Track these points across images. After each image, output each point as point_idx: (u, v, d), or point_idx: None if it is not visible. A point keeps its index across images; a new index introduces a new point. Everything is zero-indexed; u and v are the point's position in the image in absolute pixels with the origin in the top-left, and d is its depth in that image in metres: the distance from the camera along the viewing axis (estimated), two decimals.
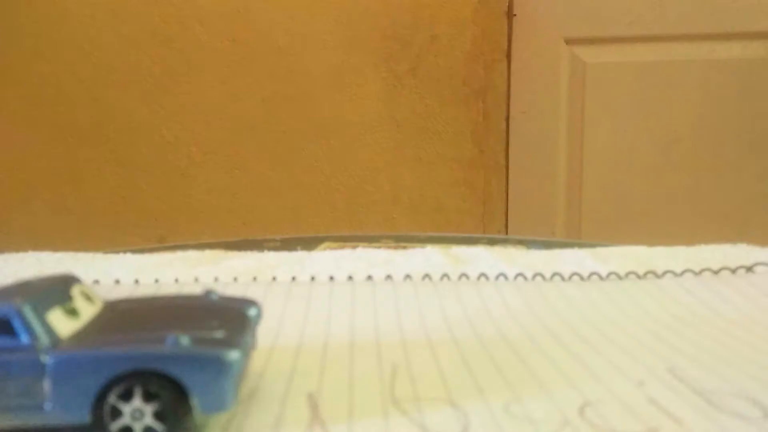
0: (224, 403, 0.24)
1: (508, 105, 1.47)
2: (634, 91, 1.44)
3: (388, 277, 0.44)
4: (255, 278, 0.45)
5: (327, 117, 1.48)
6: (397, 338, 0.34)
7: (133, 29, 1.49)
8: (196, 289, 0.32)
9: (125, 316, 0.27)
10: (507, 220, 1.49)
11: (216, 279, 0.44)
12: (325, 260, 0.48)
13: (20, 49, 1.51)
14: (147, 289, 0.43)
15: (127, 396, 0.23)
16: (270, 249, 0.52)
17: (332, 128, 1.49)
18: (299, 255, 0.50)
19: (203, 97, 1.50)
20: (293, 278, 0.45)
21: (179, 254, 0.50)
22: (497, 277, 0.44)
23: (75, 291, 0.27)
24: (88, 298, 0.28)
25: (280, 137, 1.50)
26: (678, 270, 0.44)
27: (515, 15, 1.44)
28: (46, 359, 0.23)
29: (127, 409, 0.23)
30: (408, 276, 0.45)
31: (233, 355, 0.24)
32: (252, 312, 0.28)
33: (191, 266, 0.47)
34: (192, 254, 0.50)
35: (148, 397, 0.23)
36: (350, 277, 0.45)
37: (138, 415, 0.23)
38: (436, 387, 0.28)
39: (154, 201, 1.55)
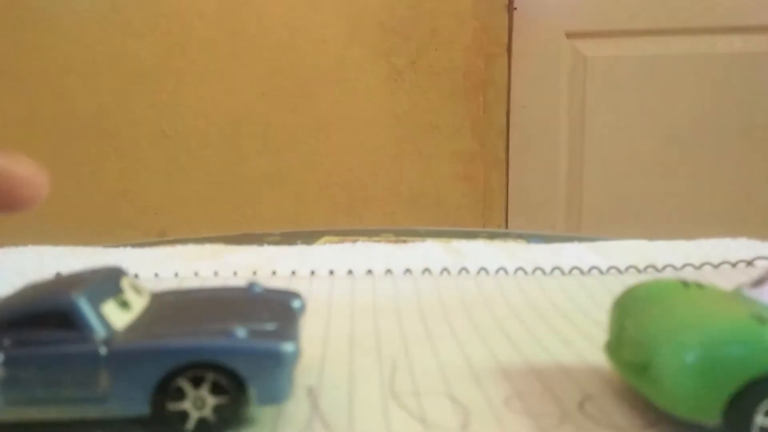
0: (280, 395, 0.24)
1: (509, 99, 1.46)
2: (635, 85, 1.44)
3: (388, 271, 0.44)
4: (255, 272, 0.44)
5: (327, 111, 1.48)
6: (397, 332, 0.34)
7: (133, 23, 1.48)
8: (194, 283, 0.32)
9: (175, 308, 0.27)
10: (507, 214, 1.49)
11: (216, 273, 0.44)
12: (325, 254, 0.48)
13: (19, 43, 1.51)
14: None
15: (195, 382, 0.23)
16: (270, 243, 0.52)
17: (332, 122, 1.48)
18: (299, 249, 0.50)
19: (203, 91, 1.50)
20: (293, 272, 0.45)
21: (179, 248, 0.50)
22: (497, 271, 0.44)
23: (125, 283, 0.27)
24: (137, 290, 0.28)
25: (279, 131, 1.50)
26: (678, 264, 0.44)
27: (515, 8, 1.44)
28: (104, 351, 0.23)
29: (191, 394, 0.23)
30: (408, 270, 0.45)
31: (289, 347, 0.24)
32: (296, 304, 0.28)
33: (191, 260, 0.47)
34: (192, 248, 0.50)
35: (215, 389, 0.23)
36: (350, 271, 0.45)
37: (199, 403, 0.23)
38: (435, 381, 0.28)
39: (154, 195, 1.54)
